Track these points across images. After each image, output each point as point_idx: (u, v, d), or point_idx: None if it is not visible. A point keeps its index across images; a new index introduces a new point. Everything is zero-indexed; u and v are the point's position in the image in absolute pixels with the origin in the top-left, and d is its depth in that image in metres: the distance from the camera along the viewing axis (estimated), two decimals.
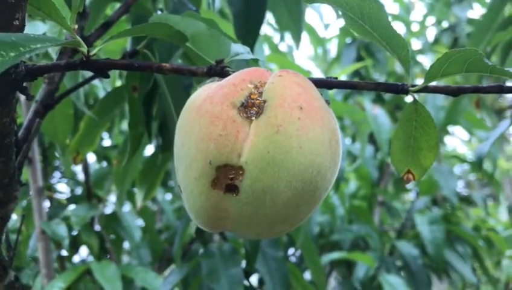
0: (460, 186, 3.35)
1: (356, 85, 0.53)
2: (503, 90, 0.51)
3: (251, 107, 0.46)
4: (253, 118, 0.46)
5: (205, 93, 0.48)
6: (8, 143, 0.60)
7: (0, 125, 0.57)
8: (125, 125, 2.13)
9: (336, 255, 2.11)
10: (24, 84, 0.56)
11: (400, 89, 0.51)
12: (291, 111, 0.45)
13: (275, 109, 0.46)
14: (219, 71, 0.52)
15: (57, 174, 2.03)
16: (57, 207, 1.74)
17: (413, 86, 0.52)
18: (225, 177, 0.45)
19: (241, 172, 0.45)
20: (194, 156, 0.46)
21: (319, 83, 0.52)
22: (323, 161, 0.47)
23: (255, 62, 0.62)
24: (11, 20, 0.48)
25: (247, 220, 0.47)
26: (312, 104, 0.47)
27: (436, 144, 0.55)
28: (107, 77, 0.55)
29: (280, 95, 0.46)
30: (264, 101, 0.46)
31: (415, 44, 3.09)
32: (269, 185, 0.45)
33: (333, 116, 0.50)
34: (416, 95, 0.54)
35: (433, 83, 0.53)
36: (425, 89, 0.52)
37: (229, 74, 0.52)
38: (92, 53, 0.54)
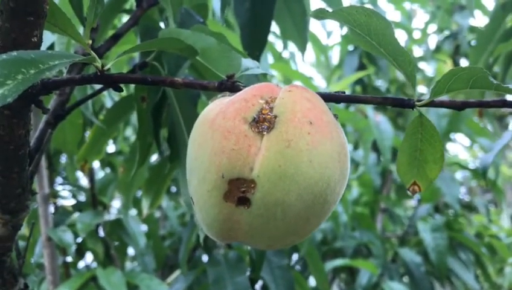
0: (462, 193, 3.36)
1: (364, 99, 0.54)
2: (506, 104, 0.53)
3: (262, 122, 0.47)
4: (265, 132, 0.47)
5: (218, 108, 0.50)
6: (22, 154, 0.61)
7: (16, 137, 0.58)
8: (129, 132, 2.14)
9: (338, 262, 2.12)
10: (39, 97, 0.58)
11: (406, 104, 0.53)
12: (302, 126, 0.47)
13: (286, 124, 0.47)
14: (230, 86, 0.53)
15: (59, 180, 2.03)
16: (63, 214, 1.74)
17: (419, 100, 0.53)
18: (237, 190, 0.46)
19: (252, 185, 0.46)
20: (207, 169, 0.47)
21: (327, 98, 0.53)
22: (333, 174, 0.48)
23: (264, 76, 0.64)
24: (29, 37, 0.49)
25: (259, 232, 0.48)
26: (321, 118, 0.48)
27: (441, 156, 0.57)
28: (121, 90, 0.57)
29: (290, 110, 0.47)
30: (275, 116, 0.47)
31: (417, 51, 3.11)
32: (280, 198, 0.46)
33: (341, 130, 0.51)
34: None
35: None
36: (431, 104, 0.53)
37: (240, 89, 0.53)
38: (106, 68, 0.55)
